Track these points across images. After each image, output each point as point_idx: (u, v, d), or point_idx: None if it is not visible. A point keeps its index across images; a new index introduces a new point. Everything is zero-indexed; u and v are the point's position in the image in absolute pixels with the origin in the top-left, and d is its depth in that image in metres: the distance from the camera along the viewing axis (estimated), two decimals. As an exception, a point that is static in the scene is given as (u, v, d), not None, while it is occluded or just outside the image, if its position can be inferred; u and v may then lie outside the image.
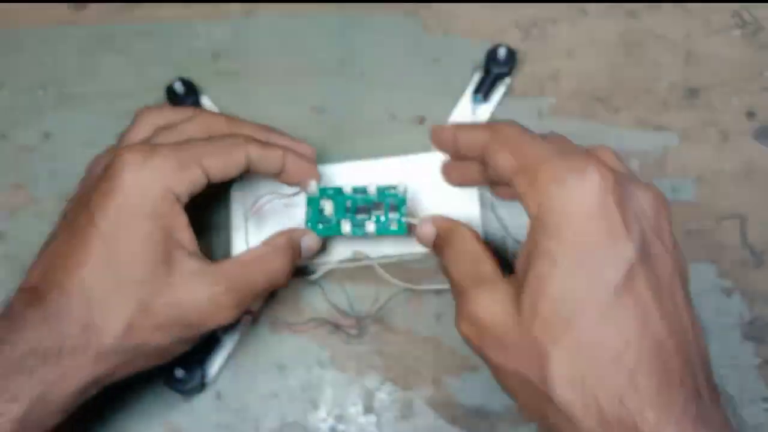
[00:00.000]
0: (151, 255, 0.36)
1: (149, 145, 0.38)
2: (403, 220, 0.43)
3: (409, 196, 0.44)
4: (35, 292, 0.36)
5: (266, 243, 0.41)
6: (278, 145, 0.42)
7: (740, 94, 0.50)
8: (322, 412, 0.45)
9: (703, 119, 0.50)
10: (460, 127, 0.40)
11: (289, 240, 0.42)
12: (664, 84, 0.51)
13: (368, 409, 0.45)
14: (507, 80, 0.50)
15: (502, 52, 0.49)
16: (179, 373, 0.43)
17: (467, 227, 0.39)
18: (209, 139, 0.40)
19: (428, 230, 0.40)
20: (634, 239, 0.31)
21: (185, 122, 0.41)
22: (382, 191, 0.44)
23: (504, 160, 0.34)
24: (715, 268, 0.47)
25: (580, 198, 0.31)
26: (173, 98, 0.50)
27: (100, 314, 0.36)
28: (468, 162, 0.43)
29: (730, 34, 0.52)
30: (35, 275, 0.37)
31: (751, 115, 0.50)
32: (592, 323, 0.31)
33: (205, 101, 0.51)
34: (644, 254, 0.32)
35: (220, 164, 0.39)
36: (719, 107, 0.50)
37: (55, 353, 0.35)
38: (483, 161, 0.37)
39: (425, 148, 0.49)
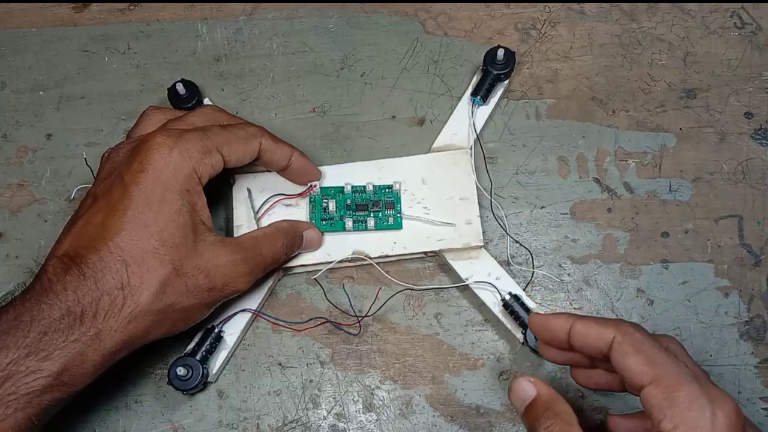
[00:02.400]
0: (182, 224, 0.39)
1: (177, 130, 0.41)
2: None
3: (406, 195, 0.47)
4: (70, 257, 0.37)
5: (272, 225, 0.45)
6: (287, 144, 0.45)
7: (738, 95, 0.51)
8: (322, 410, 0.45)
9: (701, 120, 0.50)
10: (579, 318, 0.37)
11: (292, 226, 0.45)
12: (662, 85, 0.51)
13: (368, 407, 0.45)
14: (506, 82, 0.50)
15: (500, 54, 0.49)
16: (181, 370, 0.43)
17: (567, 404, 0.36)
18: (227, 128, 0.42)
19: (528, 390, 0.37)
20: None
21: (190, 114, 0.44)
22: (379, 190, 0.47)
23: (637, 366, 0.34)
24: (713, 267, 0.47)
25: (717, 429, 0.32)
26: (175, 99, 0.50)
27: (137, 275, 0.37)
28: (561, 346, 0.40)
29: (728, 34, 0.52)
30: (67, 244, 0.38)
31: (749, 115, 0.50)
32: None
33: (207, 103, 0.51)
34: None
35: (238, 152, 0.42)
36: (717, 108, 0.50)
37: (91, 313, 0.36)
38: (595, 357, 0.37)
39: (424, 149, 0.50)
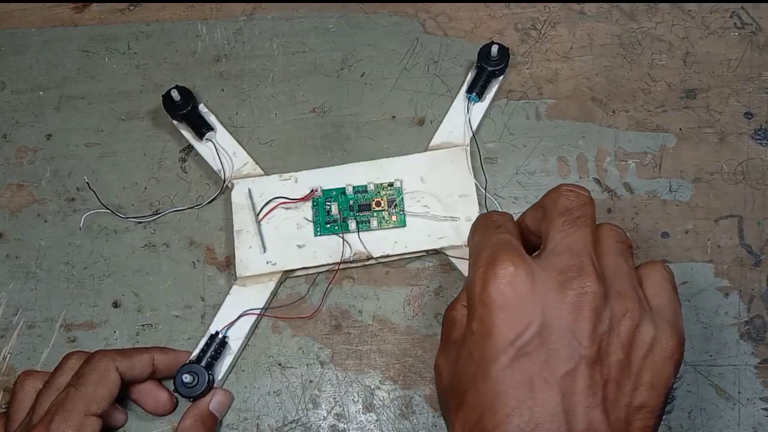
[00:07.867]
0: None
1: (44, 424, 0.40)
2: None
3: (406, 192, 0.47)
4: None
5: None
6: (144, 348, 0.45)
7: (738, 95, 0.51)
8: (322, 410, 0.45)
9: (701, 120, 0.50)
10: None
11: (198, 415, 0.44)
12: (662, 85, 0.51)
13: (368, 408, 0.45)
14: (500, 78, 0.50)
15: (494, 50, 0.49)
16: (187, 377, 0.43)
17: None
18: (78, 385, 0.41)
19: None
20: None
21: (57, 376, 0.43)
22: (380, 188, 0.47)
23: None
24: (713, 267, 0.47)
25: None
26: (170, 106, 0.49)
27: None
28: None
29: (728, 34, 0.52)
30: None
31: (749, 115, 0.50)
32: None
33: (202, 108, 0.51)
34: None
35: (103, 402, 0.41)
36: (717, 108, 0.50)
37: None
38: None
39: (424, 148, 0.50)
